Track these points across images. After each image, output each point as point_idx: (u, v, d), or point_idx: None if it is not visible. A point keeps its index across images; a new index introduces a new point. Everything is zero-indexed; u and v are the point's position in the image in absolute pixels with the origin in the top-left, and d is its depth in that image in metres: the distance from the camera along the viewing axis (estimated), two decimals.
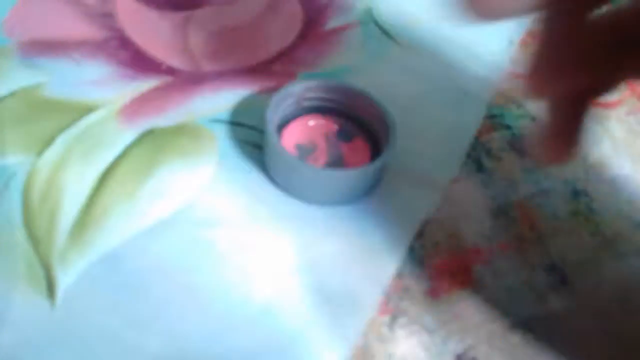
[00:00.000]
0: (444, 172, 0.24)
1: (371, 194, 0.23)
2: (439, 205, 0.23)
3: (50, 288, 0.19)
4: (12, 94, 0.24)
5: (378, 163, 0.22)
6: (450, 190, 0.24)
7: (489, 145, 0.25)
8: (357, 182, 0.22)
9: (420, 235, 0.22)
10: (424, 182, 0.24)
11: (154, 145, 0.23)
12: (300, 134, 0.24)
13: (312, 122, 0.25)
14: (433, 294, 0.21)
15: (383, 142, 0.24)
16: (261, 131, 0.25)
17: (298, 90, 0.24)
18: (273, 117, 0.23)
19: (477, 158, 0.25)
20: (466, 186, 0.24)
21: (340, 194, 0.23)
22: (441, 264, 0.22)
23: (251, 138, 0.24)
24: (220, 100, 0.26)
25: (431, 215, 0.23)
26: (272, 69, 0.27)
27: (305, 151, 0.24)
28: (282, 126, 0.24)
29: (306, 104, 0.25)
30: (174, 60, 0.27)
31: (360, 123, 0.25)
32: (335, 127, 0.25)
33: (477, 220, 0.23)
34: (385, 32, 0.30)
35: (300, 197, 0.23)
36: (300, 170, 0.22)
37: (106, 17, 0.28)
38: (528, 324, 0.21)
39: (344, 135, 0.25)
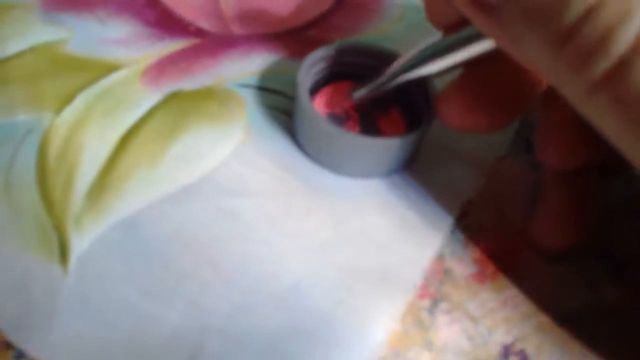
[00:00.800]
0: (489, 149, 0.22)
1: (409, 168, 0.21)
2: (484, 185, 0.21)
3: (63, 253, 0.18)
4: (32, 49, 0.22)
5: (418, 133, 0.20)
6: (496, 169, 0.22)
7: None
8: (396, 152, 0.20)
9: (463, 215, 0.20)
10: (468, 158, 0.22)
11: (179, 108, 0.22)
12: (331, 101, 0.22)
13: (345, 88, 0.23)
14: (477, 279, 0.19)
15: (422, 112, 0.22)
16: (291, 98, 0.23)
17: (331, 53, 0.22)
18: (304, 80, 0.21)
19: (526, 136, 0.23)
20: (513, 165, 0.22)
21: (376, 164, 0.21)
22: (486, 247, 0.20)
23: (281, 104, 0.23)
24: (251, 64, 0.24)
25: (475, 195, 0.21)
26: (306, 35, 0.25)
27: (337, 120, 0.22)
28: (312, 92, 0.22)
29: (339, 68, 0.23)
30: (203, 22, 0.25)
31: (397, 91, 0.23)
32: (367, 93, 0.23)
33: (525, 201, 0.21)
34: None
35: (331, 167, 0.21)
36: (333, 137, 0.20)
37: None
38: (580, 316, 0.18)
39: (379, 104, 0.23)
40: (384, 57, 0.22)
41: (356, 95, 0.21)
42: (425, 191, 0.21)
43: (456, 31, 0.18)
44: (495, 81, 0.18)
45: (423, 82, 0.21)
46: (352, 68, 0.23)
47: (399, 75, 0.20)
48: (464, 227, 0.20)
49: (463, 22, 0.17)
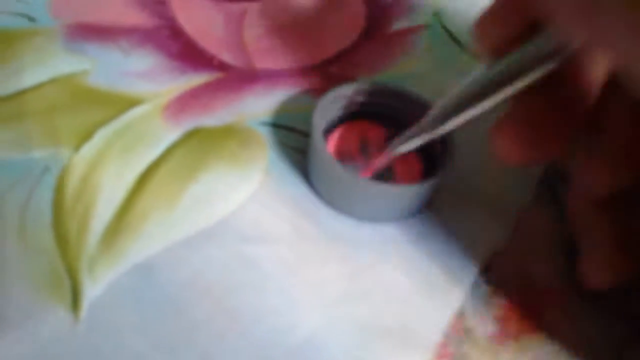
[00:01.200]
0: (512, 198, 0.22)
1: (428, 213, 0.21)
2: (508, 237, 0.21)
3: (76, 299, 0.17)
4: (52, 80, 0.22)
5: (435, 180, 0.19)
6: (520, 220, 0.21)
7: (565, 171, 0.22)
8: (411, 199, 0.20)
9: (485, 269, 0.20)
10: (490, 207, 0.21)
11: (199, 146, 0.21)
12: (346, 140, 0.22)
13: (360, 128, 0.22)
14: (499, 339, 0.18)
15: (438, 155, 0.21)
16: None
17: (347, 92, 0.22)
18: (319, 121, 0.20)
19: (552, 185, 0.22)
20: (538, 217, 0.21)
21: (391, 210, 0.20)
22: (509, 304, 0.19)
23: (300, 144, 0.22)
24: (272, 101, 0.23)
25: (498, 248, 0.20)
26: (329, 70, 0.25)
27: (351, 160, 0.21)
28: (328, 131, 0.21)
29: (355, 107, 0.22)
30: (226, 55, 0.24)
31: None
32: (384, 134, 0.22)
33: (550, 257, 0.20)
34: (453, 38, 0.27)
35: (345, 210, 0.20)
36: (346, 182, 0.19)
37: (157, 4, 0.25)
38: None
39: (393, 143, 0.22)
40: (400, 98, 0.21)
41: (398, 150, 0.20)
42: (445, 241, 0.20)
43: (504, 54, 0.16)
44: (548, 107, 0.17)
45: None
46: (368, 106, 0.22)
47: (445, 119, 0.18)
48: (486, 281, 0.19)
49: (513, 42, 0.15)
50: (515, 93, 0.16)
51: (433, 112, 0.18)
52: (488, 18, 0.16)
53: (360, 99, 0.22)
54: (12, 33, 0.23)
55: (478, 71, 0.16)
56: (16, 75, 0.22)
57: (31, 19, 0.24)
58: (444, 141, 0.20)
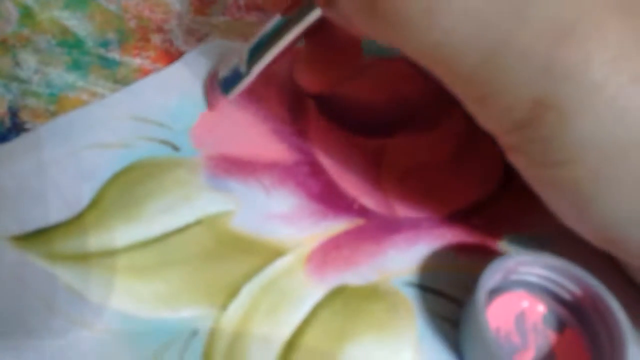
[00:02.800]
0: None
1: None
2: None
3: None
4: (199, 222, 0.21)
5: None
6: None
7: None
8: None
9: None
10: None
11: (345, 309, 0.20)
12: (502, 314, 0.20)
13: (518, 301, 0.20)
14: None
15: (605, 340, 0.19)
16: (455, 300, 0.20)
17: (510, 264, 0.20)
18: (481, 295, 0.19)
19: None
20: None
21: None
22: None
23: (447, 311, 0.20)
24: (416, 255, 0.22)
25: None
26: (471, 221, 0.23)
27: (508, 340, 0.19)
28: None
29: (514, 277, 0.20)
30: (366, 199, 0.23)
31: (575, 308, 0.20)
32: (542, 309, 0.20)
33: None
34: None
35: None
36: None
37: (297, 137, 0.24)
38: None
39: (552, 321, 0.20)
40: (569, 277, 0.20)
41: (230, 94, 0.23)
42: None
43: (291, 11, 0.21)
44: (327, 46, 0.22)
45: (612, 313, 0.18)
46: (528, 277, 0.20)
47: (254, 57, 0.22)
48: None
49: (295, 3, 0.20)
50: (299, 36, 0.21)
51: (244, 55, 0.22)
52: None
53: (520, 269, 0.20)
54: (157, 163, 0.22)
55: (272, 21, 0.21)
56: (163, 214, 0.21)
57: (175, 148, 0.23)
58: (609, 330, 0.18)
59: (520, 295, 0.20)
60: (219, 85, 0.24)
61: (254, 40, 0.22)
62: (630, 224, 0.16)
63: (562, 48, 0.14)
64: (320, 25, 0.21)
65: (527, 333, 0.20)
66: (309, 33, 0.21)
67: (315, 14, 0.20)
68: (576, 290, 0.20)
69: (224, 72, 0.24)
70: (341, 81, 0.23)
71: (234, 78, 0.23)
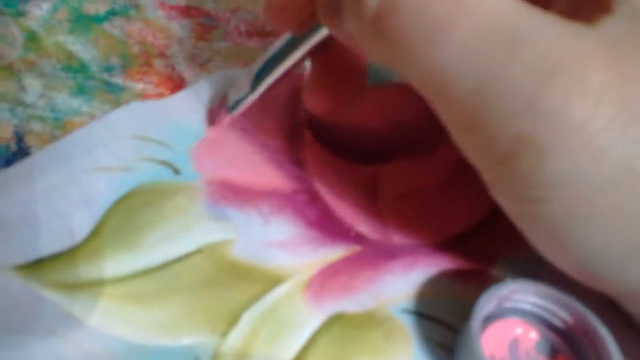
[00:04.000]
0: None
1: None
2: None
3: None
4: (199, 251, 0.21)
5: None
6: None
7: None
8: None
9: None
10: None
11: (343, 337, 0.20)
12: (498, 343, 0.20)
13: (512, 329, 0.21)
14: None
15: None
16: (450, 327, 0.21)
17: (504, 293, 0.20)
18: (476, 324, 0.19)
19: None
20: None
21: None
22: None
23: (446, 340, 0.20)
24: (412, 283, 0.22)
25: None
26: (468, 246, 0.23)
27: None
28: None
29: (508, 305, 0.21)
30: (363, 226, 0.23)
31: (567, 336, 0.20)
32: (535, 336, 0.20)
33: None
34: None
35: None
36: None
37: (295, 166, 0.25)
38: None
39: (546, 348, 0.20)
40: (561, 306, 0.20)
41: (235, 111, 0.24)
42: None
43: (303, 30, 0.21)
44: (334, 68, 0.23)
45: (594, 333, 0.19)
46: (522, 304, 0.21)
47: (261, 76, 0.22)
48: None
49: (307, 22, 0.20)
50: (305, 55, 0.21)
51: (248, 76, 0.23)
52: (281, 10, 0.20)
53: (514, 297, 0.20)
54: (158, 190, 0.22)
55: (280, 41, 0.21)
56: (164, 242, 0.21)
57: (176, 171, 0.23)
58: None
59: (514, 323, 0.21)
60: (227, 104, 0.24)
61: (261, 60, 0.22)
62: (607, 260, 0.17)
63: (547, 87, 0.15)
64: (327, 45, 0.21)
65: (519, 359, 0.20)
66: (316, 53, 0.21)
67: (322, 33, 0.20)
68: (568, 317, 0.20)
69: (234, 95, 0.24)
70: (348, 102, 0.24)
71: (239, 97, 0.24)
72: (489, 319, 0.21)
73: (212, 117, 0.25)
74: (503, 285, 0.20)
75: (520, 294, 0.20)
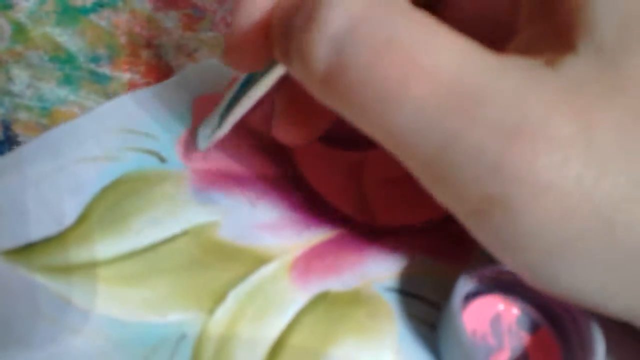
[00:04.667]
0: None
1: None
2: None
3: None
4: (186, 233, 0.21)
5: None
6: None
7: None
8: None
9: None
10: None
11: (327, 314, 0.20)
12: (480, 319, 0.21)
13: (494, 305, 0.21)
14: None
15: (576, 340, 0.19)
16: (433, 304, 0.21)
17: (485, 270, 0.20)
18: (456, 300, 0.19)
19: None
20: None
21: None
22: None
23: (430, 317, 0.21)
24: (396, 263, 0.22)
25: None
26: (450, 228, 0.24)
27: (484, 342, 0.20)
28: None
29: (489, 282, 0.21)
30: (348, 209, 0.24)
31: (547, 310, 0.21)
32: (516, 312, 0.21)
33: None
34: None
35: None
36: None
37: (281, 151, 0.25)
38: None
39: (526, 322, 0.21)
40: None
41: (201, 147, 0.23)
42: None
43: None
44: (298, 98, 0.22)
45: (574, 307, 0.19)
46: (501, 281, 0.21)
47: (227, 112, 0.22)
48: None
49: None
50: (268, 90, 0.20)
51: (216, 112, 0.22)
52: (239, 50, 0.19)
53: (495, 274, 0.21)
54: (144, 177, 0.23)
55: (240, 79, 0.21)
56: (150, 226, 0.21)
57: (162, 159, 0.23)
58: (587, 332, 0.19)
59: (495, 299, 0.21)
60: (196, 138, 0.24)
61: (226, 97, 0.22)
62: (592, 296, 0.16)
63: (511, 148, 0.14)
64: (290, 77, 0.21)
65: (502, 334, 0.20)
66: (280, 85, 0.21)
67: (279, 70, 0.19)
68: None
69: (202, 131, 0.24)
70: (321, 131, 0.23)
71: (208, 131, 0.23)
72: (471, 296, 0.21)
73: (185, 152, 0.25)
74: (483, 263, 0.20)
75: (501, 271, 0.21)
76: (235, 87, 0.21)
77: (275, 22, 0.17)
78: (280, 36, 0.16)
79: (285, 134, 0.22)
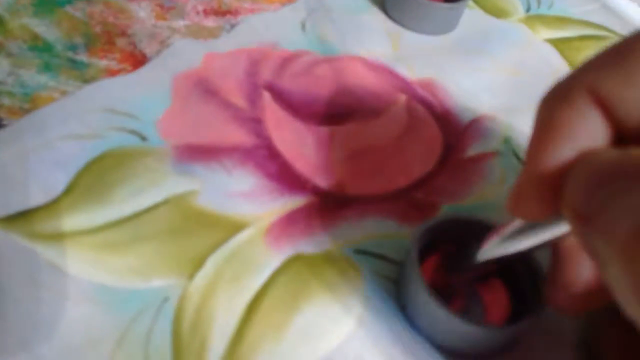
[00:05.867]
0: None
1: (522, 348, 0.21)
2: None
3: None
4: (166, 201, 0.23)
5: (526, 322, 0.19)
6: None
7: None
8: (499, 339, 0.20)
9: None
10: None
11: (300, 274, 0.21)
12: (437, 270, 0.22)
13: (446, 257, 0.22)
14: None
15: (524, 284, 0.21)
16: (399, 264, 0.23)
17: (439, 224, 0.22)
18: (414, 254, 0.21)
19: None
20: None
21: (482, 347, 0.20)
22: None
23: (394, 274, 0.22)
24: (364, 228, 0.24)
25: None
26: (414, 196, 0.25)
27: (442, 292, 0.21)
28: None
29: (443, 238, 0.23)
30: (318, 179, 0.25)
31: (497, 260, 0.22)
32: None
33: None
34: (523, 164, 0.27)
35: (438, 341, 0.20)
36: (440, 318, 0.19)
37: (255, 123, 0.26)
38: None
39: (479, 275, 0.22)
40: (485, 230, 0.22)
41: (454, 272, 0.21)
42: None
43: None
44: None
45: (527, 258, 0.21)
46: (454, 238, 0.22)
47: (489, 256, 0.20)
48: None
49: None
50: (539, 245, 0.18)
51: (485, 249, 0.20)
52: (520, 198, 0.17)
53: (449, 228, 0.22)
54: (127, 152, 0.24)
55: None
56: (133, 196, 0.22)
57: (143, 138, 0.24)
58: (533, 278, 0.20)
59: (450, 252, 0.22)
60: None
61: (494, 245, 0.20)
62: None
63: None
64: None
65: (457, 284, 0.22)
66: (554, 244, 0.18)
67: (562, 228, 0.16)
68: None
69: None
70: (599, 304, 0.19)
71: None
72: (429, 250, 0.22)
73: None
74: (437, 218, 0.22)
75: (454, 225, 0.22)
76: (504, 235, 0.19)
77: (581, 179, 0.14)
78: (584, 203, 0.14)
79: (565, 303, 0.19)
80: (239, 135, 0.25)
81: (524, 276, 0.21)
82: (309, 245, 0.22)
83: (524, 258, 0.21)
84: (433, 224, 0.22)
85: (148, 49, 0.29)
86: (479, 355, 0.20)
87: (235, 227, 0.22)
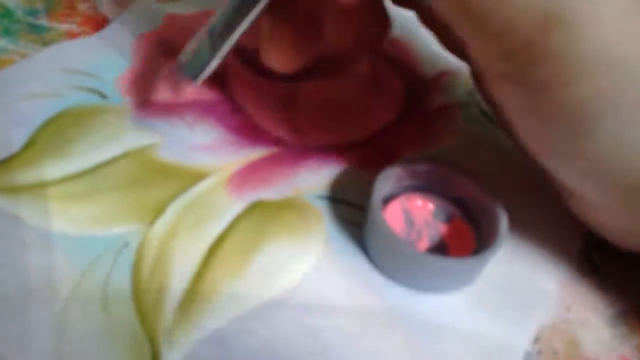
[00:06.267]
0: (554, 270, 0.22)
1: (484, 284, 0.21)
2: (554, 308, 0.21)
3: None
4: (126, 154, 0.23)
5: (487, 254, 0.20)
6: (564, 292, 0.21)
7: (604, 244, 0.22)
8: (464, 272, 0.20)
9: (536, 340, 0.20)
10: (535, 280, 0.21)
11: (261, 218, 0.22)
12: (399, 215, 0.22)
13: (412, 202, 0.23)
14: None
15: (485, 224, 0.21)
16: (362, 209, 0.23)
17: (397, 170, 0.22)
18: (377, 197, 0.21)
19: (591, 257, 0.22)
20: (581, 289, 0.21)
21: (446, 282, 0.20)
22: None
23: (355, 217, 0.22)
24: (326, 175, 0.24)
25: (547, 318, 0.20)
26: (376, 145, 0.25)
27: (405, 234, 0.22)
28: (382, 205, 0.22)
29: (405, 183, 0.23)
30: (281, 131, 0.25)
31: (459, 203, 0.23)
32: (432, 207, 0.23)
33: (596, 328, 0.20)
34: (486, 115, 0.28)
35: (401, 281, 0.21)
36: (404, 255, 0.20)
37: (217, 79, 0.26)
38: None
39: (441, 215, 0.22)
40: (448, 173, 0.22)
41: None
42: (497, 310, 0.20)
43: None
44: (290, 20, 0.20)
45: (487, 198, 0.21)
46: (416, 181, 0.23)
47: (221, 39, 0.20)
48: (538, 351, 0.19)
49: None
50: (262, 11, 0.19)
51: (201, 42, 0.21)
52: None
53: (409, 174, 0.22)
54: (86, 110, 0.24)
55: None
56: (93, 150, 0.22)
57: (103, 96, 0.24)
58: (494, 215, 0.21)
59: (413, 197, 0.23)
60: (183, 71, 0.22)
61: (213, 22, 0.20)
62: (629, 147, 0.15)
63: None
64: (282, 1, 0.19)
65: (421, 227, 0.22)
66: (270, 8, 0.20)
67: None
68: (460, 186, 0.22)
69: (186, 58, 0.22)
70: (309, 57, 0.21)
71: (197, 62, 0.22)
72: (391, 196, 0.23)
73: (176, 88, 0.25)
74: (398, 163, 0.22)
75: (416, 170, 0.22)
76: (223, 15, 0.20)
77: None
78: None
79: (278, 58, 0.21)
80: (200, 90, 0.25)
81: (484, 217, 0.21)
82: (271, 192, 0.23)
83: (479, 200, 0.21)
84: (395, 167, 0.22)
85: (108, 12, 0.29)
86: (437, 290, 0.21)
87: (196, 176, 0.22)
